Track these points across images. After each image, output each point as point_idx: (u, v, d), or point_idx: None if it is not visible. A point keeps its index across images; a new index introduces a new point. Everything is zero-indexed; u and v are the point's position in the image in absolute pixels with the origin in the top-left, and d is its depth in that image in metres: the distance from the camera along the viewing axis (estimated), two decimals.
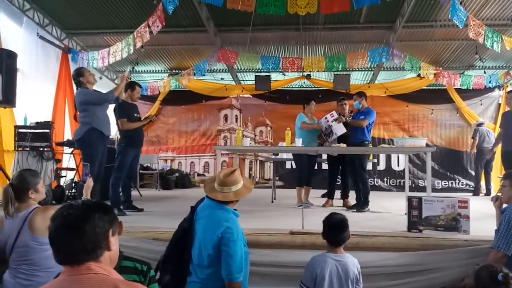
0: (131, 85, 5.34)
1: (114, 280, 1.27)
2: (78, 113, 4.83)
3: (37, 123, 6.17)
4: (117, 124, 5.26)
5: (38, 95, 6.98)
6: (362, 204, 5.50)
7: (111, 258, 1.37)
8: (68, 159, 6.58)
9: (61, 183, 6.55)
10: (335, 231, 2.64)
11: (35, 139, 5.95)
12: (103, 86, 6.84)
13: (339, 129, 5.77)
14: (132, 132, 5.22)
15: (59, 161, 6.51)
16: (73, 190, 6.16)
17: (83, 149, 4.76)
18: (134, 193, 7.40)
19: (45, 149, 6.00)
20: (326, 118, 5.86)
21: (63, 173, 6.69)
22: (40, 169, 5.83)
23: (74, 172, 6.43)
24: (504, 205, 2.99)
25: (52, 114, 7.31)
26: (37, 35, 7.08)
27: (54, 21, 7.62)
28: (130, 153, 5.24)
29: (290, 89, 10.09)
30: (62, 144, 6.53)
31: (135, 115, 5.35)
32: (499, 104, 9.35)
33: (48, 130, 6.04)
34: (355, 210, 5.45)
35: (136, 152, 5.42)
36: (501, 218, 2.86)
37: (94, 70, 6.78)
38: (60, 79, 7.59)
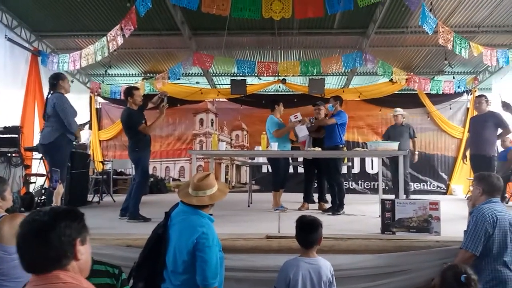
0: (129, 92, 5.03)
1: None
2: (47, 113, 4.68)
3: (4, 127, 5.99)
4: (136, 133, 4.90)
5: (6, 99, 6.76)
6: (337, 207, 5.54)
7: (81, 268, 1.31)
8: (38, 164, 6.39)
9: (31, 190, 6.35)
10: (306, 231, 2.65)
11: (3, 144, 5.77)
12: (74, 90, 6.67)
13: (301, 131, 5.85)
14: (145, 134, 4.98)
15: (28, 167, 6.32)
16: (43, 197, 5.98)
17: (55, 153, 4.62)
18: (107, 198, 7.25)
19: (13, 154, 5.81)
20: (290, 119, 5.92)
21: (33, 179, 6.50)
22: (8, 176, 5.65)
23: (44, 178, 6.24)
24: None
25: (20, 119, 7.07)
26: (5, 37, 6.86)
27: (23, 23, 7.40)
28: (148, 156, 5.12)
29: (266, 93, 10.09)
30: (31, 149, 6.33)
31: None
32: (468, 109, 9.67)
33: (16, 135, 5.86)
34: (330, 213, 5.50)
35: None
36: (469, 219, 2.95)
37: (66, 73, 6.60)
38: (29, 83, 7.37)
